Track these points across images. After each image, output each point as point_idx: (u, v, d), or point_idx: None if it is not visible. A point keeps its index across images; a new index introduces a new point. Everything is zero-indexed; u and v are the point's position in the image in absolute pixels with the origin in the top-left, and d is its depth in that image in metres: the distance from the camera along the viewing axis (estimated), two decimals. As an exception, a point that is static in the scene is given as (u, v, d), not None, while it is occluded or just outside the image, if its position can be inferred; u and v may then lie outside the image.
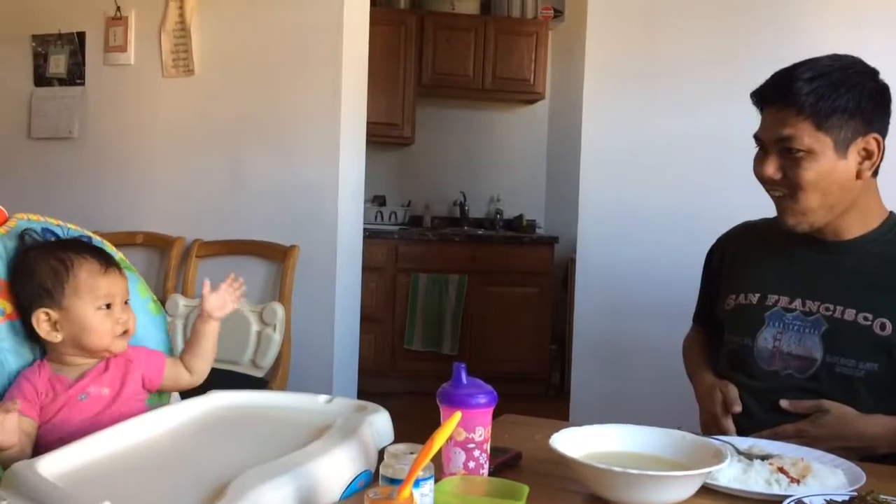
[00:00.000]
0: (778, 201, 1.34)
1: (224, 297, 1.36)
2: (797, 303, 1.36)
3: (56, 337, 1.24)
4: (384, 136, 4.57)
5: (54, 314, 1.23)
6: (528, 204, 5.04)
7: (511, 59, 4.77)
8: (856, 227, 1.35)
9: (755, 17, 2.57)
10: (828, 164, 1.28)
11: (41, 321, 1.23)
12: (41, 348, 1.29)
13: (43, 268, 1.24)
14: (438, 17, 4.74)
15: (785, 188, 1.31)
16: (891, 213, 1.39)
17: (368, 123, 3.37)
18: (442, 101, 4.94)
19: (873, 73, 1.32)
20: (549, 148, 5.10)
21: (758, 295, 1.40)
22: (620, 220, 2.73)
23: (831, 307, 1.33)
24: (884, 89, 1.32)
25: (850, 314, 1.31)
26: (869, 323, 1.29)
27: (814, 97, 1.26)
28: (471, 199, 4.99)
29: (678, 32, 2.66)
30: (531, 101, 5.02)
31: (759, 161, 1.34)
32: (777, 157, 1.31)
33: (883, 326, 1.28)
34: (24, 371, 1.25)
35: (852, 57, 1.33)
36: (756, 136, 1.35)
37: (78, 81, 3.53)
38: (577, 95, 2.94)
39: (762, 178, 1.33)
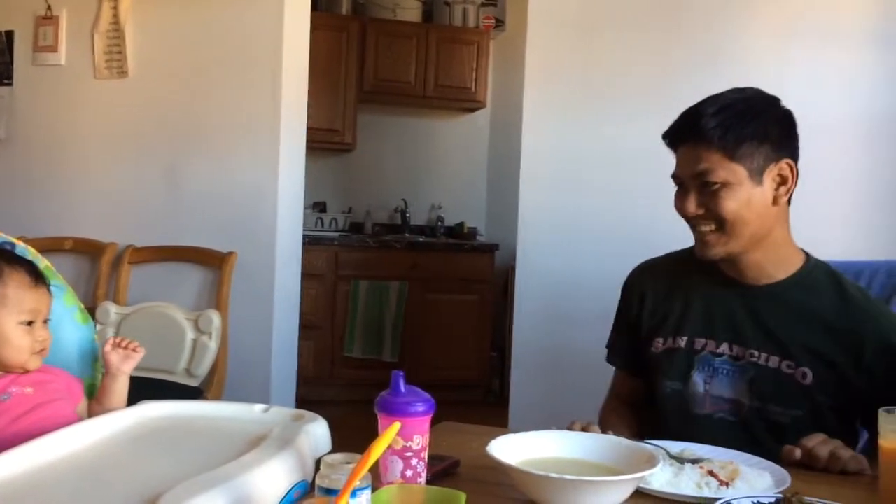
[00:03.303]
0: (703, 235, 1.34)
1: (124, 351, 1.31)
2: (724, 347, 1.37)
3: None
4: (325, 141, 4.54)
5: None
6: (470, 211, 5.07)
7: (452, 67, 4.79)
8: (773, 270, 1.35)
9: (689, 31, 2.65)
10: (746, 193, 1.29)
11: None
12: None
13: None
14: (380, 23, 4.74)
15: (711, 222, 1.32)
16: (807, 255, 1.40)
17: (309, 129, 3.35)
18: (383, 108, 4.93)
19: (775, 100, 1.35)
20: (491, 156, 5.15)
21: (685, 338, 1.40)
22: (559, 229, 2.77)
23: (756, 353, 1.34)
24: (788, 114, 1.35)
25: (774, 361, 1.33)
26: (792, 371, 1.31)
27: (721, 129, 1.28)
28: (412, 206, 4.99)
29: (617, 44, 2.71)
30: (472, 110, 5.06)
31: (679, 198, 1.35)
32: (696, 192, 1.32)
33: (804, 375, 1.31)
34: None
35: (754, 88, 1.36)
36: (674, 176, 1.37)
37: (5, 81, 3.42)
38: (517, 105, 2.97)
39: (684, 214, 1.35)
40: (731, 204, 1.29)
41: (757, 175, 1.30)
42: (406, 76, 4.75)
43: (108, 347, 1.30)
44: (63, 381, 1.27)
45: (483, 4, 4.93)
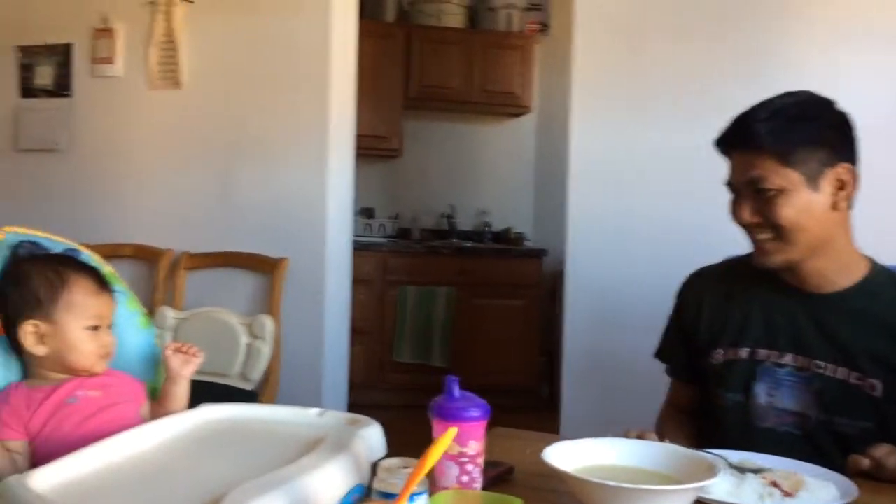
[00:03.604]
0: (760, 243, 1.31)
1: (185, 356, 1.33)
2: (788, 357, 1.33)
3: (40, 350, 1.22)
4: (372, 148, 4.57)
5: (43, 326, 1.22)
6: (517, 216, 5.06)
7: (498, 72, 4.79)
8: (836, 277, 1.32)
9: (739, 32, 2.60)
10: (803, 200, 1.26)
11: (28, 333, 1.22)
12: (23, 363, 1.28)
13: (38, 278, 1.23)
14: (425, 30, 4.76)
15: (769, 230, 1.29)
16: (871, 262, 1.36)
17: (356, 136, 3.38)
18: (429, 114, 4.96)
19: (830, 102, 1.31)
20: (537, 160, 5.13)
21: (747, 349, 1.36)
22: (608, 233, 2.75)
23: (822, 364, 1.30)
24: (844, 117, 1.31)
25: (842, 373, 1.29)
26: (860, 382, 1.28)
27: (773, 135, 1.25)
28: (459, 211, 5.00)
29: (665, 46, 2.69)
30: (518, 114, 5.05)
31: (734, 206, 1.33)
32: (751, 200, 1.29)
33: (873, 387, 1.27)
34: None
35: (807, 91, 1.32)
36: (727, 183, 1.34)
37: (65, 93, 3.52)
38: (564, 108, 2.96)
39: (740, 222, 1.32)
40: (788, 211, 1.26)
41: (813, 180, 1.26)
42: (451, 82, 4.77)
43: (168, 352, 1.33)
44: (127, 384, 1.30)
45: (527, 9, 4.92)
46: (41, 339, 1.22)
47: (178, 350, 1.33)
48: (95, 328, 1.25)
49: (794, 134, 1.25)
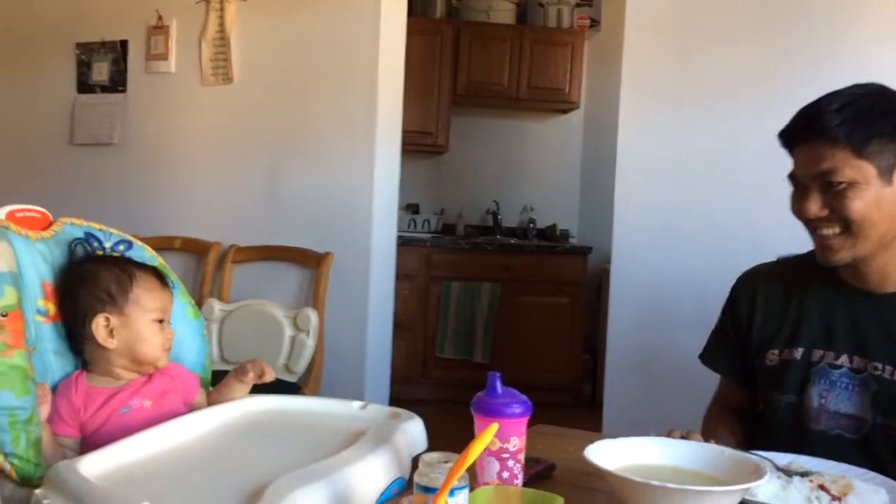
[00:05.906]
0: (825, 238, 1.26)
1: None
2: (843, 359, 1.30)
3: (111, 343, 1.25)
4: (418, 144, 4.59)
5: (114, 320, 1.25)
6: (562, 213, 5.03)
7: (546, 68, 4.76)
8: None
9: (791, 31, 2.55)
10: (874, 193, 1.21)
11: (100, 326, 1.25)
12: (81, 357, 1.31)
13: (108, 275, 1.27)
14: (474, 26, 4.75)
15: (836, 224, 1.24)
16: None
17: (403, 132, 3.39)
18: (476, 111, 4.95)
19: None
20: (584, 157, 5.09)
21: (801, 349, 1.33)
22: (656, 231, 2.71)
23: (880, 366, 1.26)
24: None
25: None
26: None
27: (847, 126, 1.20)
28: (504, 207, 4.99)
29: (715, 44, 2.64)
30: (566, 111, 5.01)
31: (797, 200, 1.28)
32: (819, 193, 1.23)
33: None
34: (59, 385, 1.26)
35: (876, 84, 1.27)
36: (791, 176, 1.29)
37: (120, 88, 3.61)
38: (612, 105, 2.93)
39: (805, 217, 1.27)
40: (859, 204, 1.21)
41: (887, 174, 1.21)
42: (499, 78, 4.75)
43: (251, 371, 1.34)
44: (180, 387, 1.32)
45: (578, 5, 4.87)
46: (112, 332, 1.25)
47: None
48: (160, 322, 1.29)
49: (869, 125, 1.21)
